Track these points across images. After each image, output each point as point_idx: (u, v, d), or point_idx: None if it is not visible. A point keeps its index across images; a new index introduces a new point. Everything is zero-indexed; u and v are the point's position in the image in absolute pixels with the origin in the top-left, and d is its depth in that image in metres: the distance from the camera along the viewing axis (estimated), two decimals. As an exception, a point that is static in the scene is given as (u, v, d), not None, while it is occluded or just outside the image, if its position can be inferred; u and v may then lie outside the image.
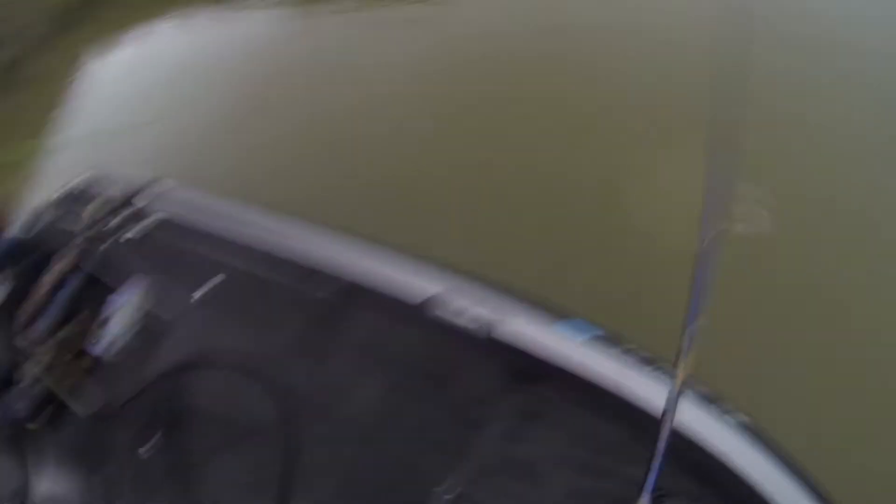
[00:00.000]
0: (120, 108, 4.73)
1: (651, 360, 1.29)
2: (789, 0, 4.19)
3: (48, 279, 1.93)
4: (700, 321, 1.05)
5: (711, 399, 1.21)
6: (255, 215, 1.91)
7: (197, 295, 1.78)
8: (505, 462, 1.30)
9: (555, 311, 1.44)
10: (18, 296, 1.89)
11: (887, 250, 2.61)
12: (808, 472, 1.15)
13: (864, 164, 3.02)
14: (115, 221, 2.06)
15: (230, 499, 1.45)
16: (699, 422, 1.16)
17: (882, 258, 2.59)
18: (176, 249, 1.91)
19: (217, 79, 4.75)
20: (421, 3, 5.16)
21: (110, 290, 1.91)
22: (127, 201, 2.10)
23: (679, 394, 1.02)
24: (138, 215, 2.05)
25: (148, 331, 1.80)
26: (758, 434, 1.18)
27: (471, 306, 1.43)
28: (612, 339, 1.36)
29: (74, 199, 2.28)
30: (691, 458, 1.13)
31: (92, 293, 1.92)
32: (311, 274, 1.67)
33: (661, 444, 0.98)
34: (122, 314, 1.84)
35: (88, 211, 2.13)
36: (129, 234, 2.00)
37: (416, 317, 1.48)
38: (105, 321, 1.83)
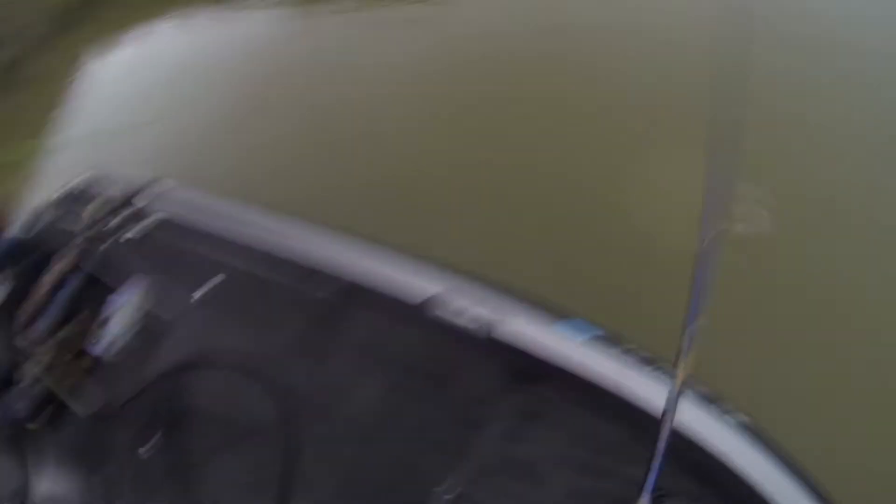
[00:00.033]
0: (120, 108, 4.73)
1: (651, 360, 1.29)
2: (789, 0, 4.19)
3: (48, 279, 1.93)
4: (700, 321, 1.05)
5: (711, 399, 1.21)
6: (255, 215, 1.91)
7: (197, 295, 1.78)
8: (505, 462, 1.30)
9: (555, 311, 1.44)
10: (18, 296, 1.89)
11: (887, 250, 2.61)
12: (808, 472, 1.15)
13: (864, 164, 3.02)
14: (114, 221, 2.06)
15: (230, 499, 1.45)
16: (699, 422, 1.16)
17: (882, 258, 2.59)
18: (176, 249, 1.91)
19: (217, 79, 4.75)
20: (420, 3, 5.16)
21: (110, 290, 1.91)
22: (127, 201, 2.10)
23: (679, 394, 1.02)
24: (138, 215, 2.05)
25: (148, 331, 1.81)
26: (757, 434, 1.18)
27: (471, 306, 1.43)
28: (611, 339, 1.36)
29: (74, 199, 2.28)
30: (691, 458, 1.13)
31: (92, 293, 1.92)
32: (311, 274, 1.67)
33: (661, 444, 0.98)
34: (121, 314, 1.84)
35: (88, 211, 2.13)
36: (128, 234, 2.00)
37: (416, 317, 1.48)
38: (105, 321, 1.83)
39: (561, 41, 4.12)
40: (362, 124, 3.89)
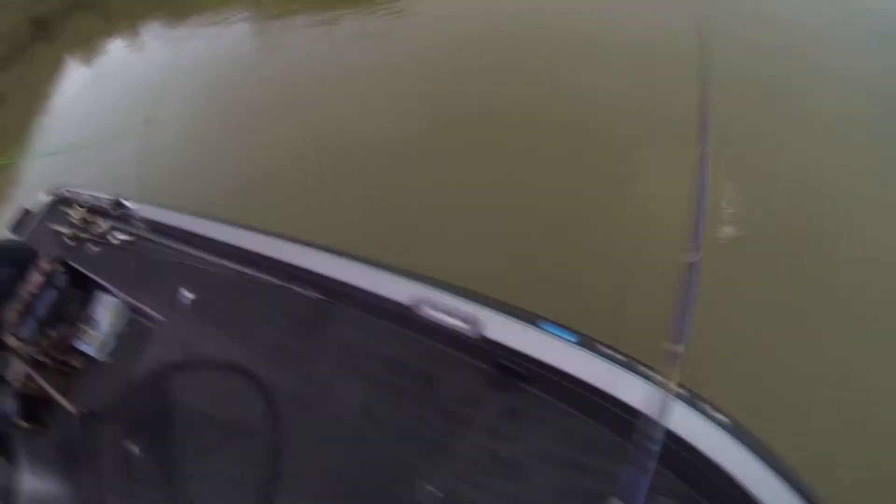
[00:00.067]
0: (97, 117, 4.70)
1: (637, 362, 1.30)
2: (773, 5, 4.26)
3: (35, 281, 1.92)
4: (687, 323, 1.07)
5: (698, 400, 1.22)
6: (226, 226, 1.90)
7: (183, 298, 1.78)
8: (494, 460, 1.31)
9: (538, 315, 1.45)
10: (5, 296, 1.88)
11: (874, 253, 2.65)
12: (795, 471, 1.16)
13: (853, 168, 3.06)
14: (101, 226, 2.05)
15: (218, 498, 1.45)
16: (686, 422, 1.17)
17: (869, 261, 2.62)
18: (161, 254, 1.90)
19: (189, 91, 4.73)
20: (389, 16, 5.17)
21: (97, 292, 1.90)
22: (101, 212, 2.10)
23: (666, 394, 1.03)
24: (124, 220, 2.05)
25: (135, 333, 1.80)
26: (744, 434, 1.18)
27: (453, 310, 1.44)
28: (595, 343, 1.36)
29: (59, 204, 2.27)
30: (679, 457, 1.14)
31: (79, 295, 1.91)
32: (298, 277, 1.67)
33: (650, 445, 0.99)
34: (108, 316, 1.83)
35: (74, 216, 2.12)
36: (114, 239, 2.00)
37: (402, 320, 1.48)
38: (92, 323, 1.82)
39: (536, 48, 4.16)
40: (337, 135, 3.89)
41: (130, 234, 1.99)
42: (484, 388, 1.39)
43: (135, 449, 1.53)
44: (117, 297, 1.89)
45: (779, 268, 2.63)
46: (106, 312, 1.84)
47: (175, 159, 3.97)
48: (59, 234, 2.10)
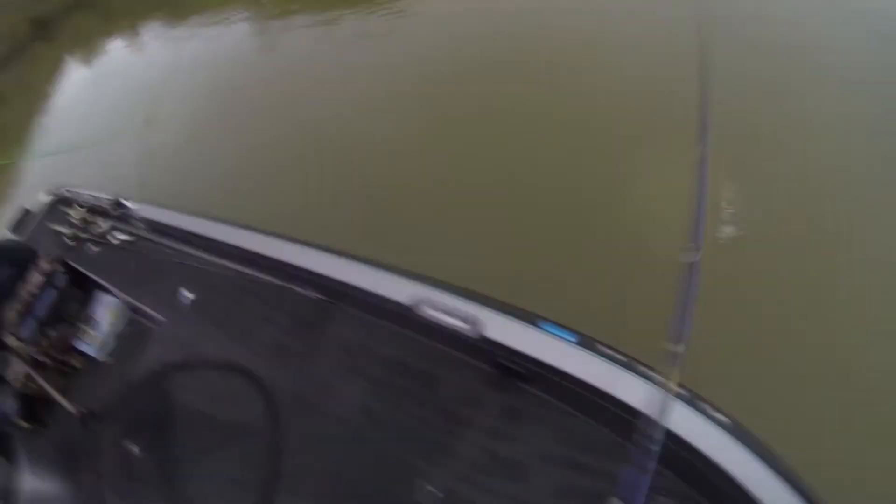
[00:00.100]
0: (97, 117, 4.70)
1: (637, 362, 1.30)
2: (773, 5, 4.26)
3: (35, 281, 1.92)
4: (687, 323, 1.07)
5: (698, 400, 1.21)
6: (227, 226, 1.91)
7: (183, 298, 1.78)
8: (494, 460, 1.31)
9: (538, 315, 1.45)
10: (5, 296, 1.88)
11: (874, 253, 2.65)
12: (794, 471, 1.16)
13: (853, 168, 3.06)
14: (101, 226, 2.05)
15: (218, 498, 1.45)
16: (686, 422, 1.17)
17: (869, 261, 2.62)
18: (161, 254, 1.90)
19: (189, 91, 4.73)
20: (389, 16, 5.17)
21: (97, 292, 1.90)
22: (101, 212, 2.10)
23: (666, 394, 1.03)
24: (112, 223, 2.05)
25: (135, 333, 1.80)
26: (744, 434, 1.18)
27: (453, 311, 1.44)
28: (595, 343, 1.36)
29: (59, 204, 2.27)
30: (679, 457, 1.14)
31: (79, 295, 1.91)
32: (298, 277, 1.67)
33: (650, 445, 0.99)
34: (108, 316, 1.83)
35: (74, 216, 2.12)
36: (114, 239, 2.00)
37: (402, 320, 1.49)
38: (92, 323, 1.82)
39: (535, 48, 4.16)
40: (337, 136, 3.89)
41: (130, 234, 1.99)
42: (484, 388, 1.39)
43: (135, 449, 1.53)
44: (117, 297, 1.89)
45: (779, 267, 2.63)
46: (106, 312, 1.84)
47: (175, 159, 3.97)
48: (59, 234, 2.10)
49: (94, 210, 2.12)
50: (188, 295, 1.77)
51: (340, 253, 1.68)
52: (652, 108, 3.39)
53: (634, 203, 2.85)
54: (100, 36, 5.92)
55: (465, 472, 1.31)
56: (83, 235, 2.04)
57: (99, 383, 1.72)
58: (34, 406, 1.72)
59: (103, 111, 4.79)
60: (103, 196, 2.17)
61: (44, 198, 2.30)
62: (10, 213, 2.37)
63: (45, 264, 1.97)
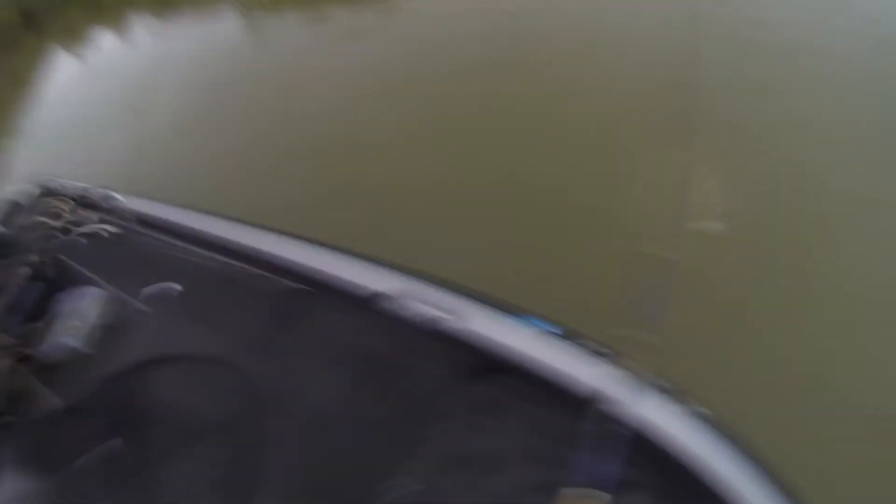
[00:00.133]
0: (87, 108, 4.66)
1: (612, 354, 1.30)
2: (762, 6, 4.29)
3: (22, 272, 1.91)
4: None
5: (673, 392, 1.23)
6: (211, 217, 1.91)
7: (158, 294, 1.77)
8: (467, 454, 1.31)
9: (513, 307, 1.46)
10: None
11: (858, 250, 2.67)
12: (770, 464, 1.17)
13: (838, 166, 3.09)
14: (89, 217, 2.04)
15: (193, 496, 1.45)
16: (661, 415, 1.18)
17: (853, 258, 2.65)
18: (149, 246, 1.90)
19: (179, 84, 4.70)
20: (384, 12, 5.15)
21: (84, 284, 1.89)
22: (88, 203, 2.09)
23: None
24: (99, 215, 2.04)
25: (110, 329, 1.80)
26: (719, 427, 1.20)
27: (430, 302, 1.44)
28: (571, 335, 1.38)
29: (47, 195, 2.26)
30: (653, 450, 1.14)
31: (66, 287, 1.90)
32: (286, 269, 1.67)
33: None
34: (95, 309, 1.82)
35: (62, 207, 2.11)
36: (102, 231, 1.99)
37: (375, 312, 1.49)
38: (79, 315, 1.81)
39: (530, 47, 4.17)
40: (324, 130, 3.88)
41: (118, 225, 1.98)
42: (464, 381, 1.40)
43: (119, 442, 1.52)
44: (104, 290, 1.88)
45: (765, 265, 2.66)
46: (93, 305, 1.83)
47: (164, 151, 3.95)
48: (46, 225, 2.09)
49: (83, 201, 2.11)
50: (176, 287, 1.77)
51: (313, 249, 1.68)
52: (647, 108, 3.41)
53: (625, 199, 2.86)
54: (91, 28, 5.87)
55: (442, 465, 1.31)
56: (71, 227, 2.03)
57: (84, 376, 1.71)
58: (18, 399, 1.71)
59: (93, 103, 4.75)
60: (92, 187, 2.16)
61: (31, 189, 2.28)
62: (-3, 202, 2.36)
63: (31, 256, 1.96)
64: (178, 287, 1.78)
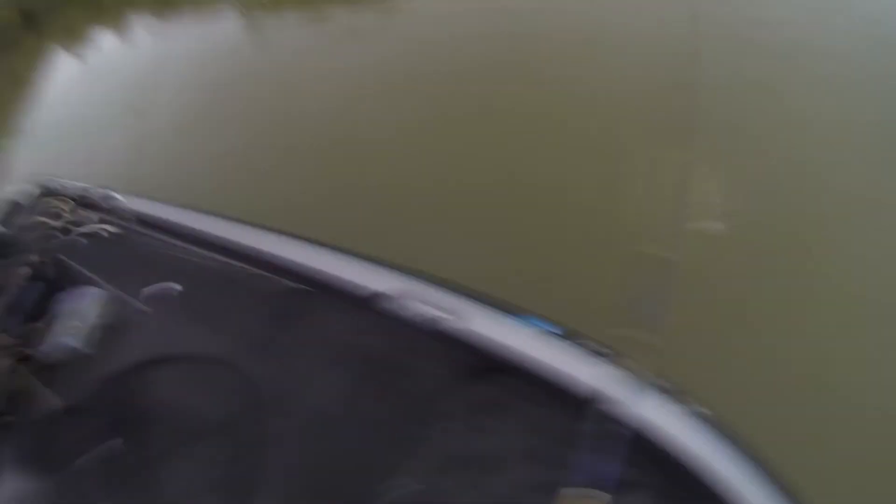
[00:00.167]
0: (88, 108, 4.65)
1: (612, 354, 1.30)
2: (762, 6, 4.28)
3: (22, 272, 1.91)
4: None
5: (673, 392, 1.22)
6: (211, 218, 1.91)
7: (158, 294, 1.77)
8: (467, 454, 1.31)
9: (513, 307, 1.46)
10: None
11: (858, 250, 2.67)
12: (769, 463, 1.17)
13: (838, 166, 3.08)
14: (88, 217, 2.04)
15: (193, 496, 1.44)
16: (661, 415, 1.18)
17: (853, 258, 2.64)
18: (149, 246, 1.90)
19: (179, 84, 4.69)
20: (382, 12, 5.15)
21: (84, 284, 1.89)
22: (88, 203, 2.09)
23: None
24: (99, 215, 2.04)
25: (121, 325, 1.79)
26: (719, 427, 1.20)
27: (430, 302, 1.44)
28: (570, 335, 1.37)
29: (47, 195, 2.25)
30: (653, 450, 1.14)
31: (66, 287, 1.90)
32: (286, 269, 1.67)
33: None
34: (95, 309, 1.82)
35: (62, 207, 2.11)
36: (102, 231, 1.99)
37: (382, 310, 1.49)
38: (79, 315, 1.81)
39: (529, 48, 4.17)
40: (321, 131, 3.88)
41: (118, 225, 1.98)
42: (463, 381, 1.40)
43: (119, 441, 1.52)
44: (104, 290, 1.88)
45: (765, 265, 2.66)
46: (93, 305, 1.83)
47: (165, 151, 3.94)
48: (46, 225, 2.09)
49: (82, 202, 2.11)
50: (176, 287, 1.77)
51: (314, 250, 1.68)
52: (647, 108, 3.40)
53: (624, 199, 2.86)
54: (90, 28, 5.86)
55: (442, 465, 1.31)
56: (71, 227, 2.03)
57: (84, 376, 1.71)
58: (19, 399, 1.71)
59: (93, 103, 4.75)
60: (91, 187, 2.16)
61: (31, 189, 2.28)
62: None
63: (32, 256, 1.96)
64: (178, 287, 1.78)
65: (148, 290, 1.80)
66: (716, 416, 1.21)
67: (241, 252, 1.75)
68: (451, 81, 4.02)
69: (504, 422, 1.33)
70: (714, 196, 2.51)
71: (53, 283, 1.93)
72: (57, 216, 2.08)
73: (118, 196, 2.08)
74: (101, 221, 2.01)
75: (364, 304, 1.51)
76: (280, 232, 1.78)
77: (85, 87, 5.09)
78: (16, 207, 2.28)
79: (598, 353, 1.30)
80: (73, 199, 2.12)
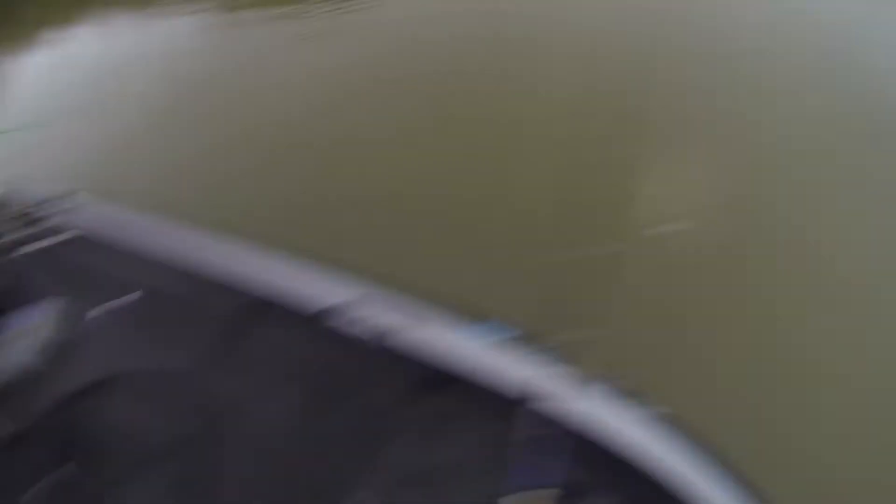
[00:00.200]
0: (37, 109, 4.50)
1: (569, 359, 1.30)
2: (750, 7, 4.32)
3: None
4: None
5: (628, 393, 1.23)
6: (165, 228, 1.87)
7: (108, 311, 1.71)
8: (424, 466, 1.31)
9: (470, 314, 1.46)
10: None
11: (857, 249, 2.65)
12: (728, 461, 1.16)
13: (827, 164, 3.07)
14: (26, 235, 1.94)
15: None
16: (615, 415, 1.18)
17: (852, 257, 2.62)
18: (89, 265, 1.83)
19: (136, 85, 4.56)
20: (350, 13, 5.07)
21: (25, 304, 1.80)
22: (39, 215, 1.99)
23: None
24: (50, 229, 1.94)
25: (59, 349, 1.69)
26: (676, 425, 1.19)
27: (383, 315, 1.45)
28: (527, 340, 1.38)
29: (3, 201, 2.15)
30: (609, 451, 1.14)
31: (5, 308, 1.81)
32: (221, 288, 1.64)
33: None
34: (32, 331, 1.72)
35: (17, 212, 2.01)
36: (40, 249, 1.89)
37: (327, 328, 1.48)
38: (14, 338, 1.72)
39: (495, 52, 4.13)
40: (285, 135, 3.77)
41: (75, 232, 1.89)
42: (416, 393, 1.40)
43: (71, 467, 1.44)
44: (42, 313, 1.79)
45: (731, 264, 2.62)
46: (44, 322, 1.74)
47: (132, 150, 3.82)
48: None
49: (36, 213, 2.02)
50: (133, 299, 1.69)
51: (269, 262, 1.67)
52: (630, 110, 3.36)
53: (582, 198, 2.79)
54: (63, 21, 5.71)
55: (401, 478, 1.30)
56: (24, 233, 1.93)
57: (34, 398, 1.62)
58: None
59: (61, 95, 4.61)
60: (50, 191, 2.06)
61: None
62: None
63: None
64: (132, 301, 1.71)
65: (102, 306, 1.72)
66: (676, 414, 1.21)
67: (197, 266, 1.71)
68: (419, 84, 3.96)
69: (458, 431, 1.34)
70: (693, 195, 2.48)
71: (4, 298, 1.83)
72: (12, 221, 1.99)
73: (80, 200, 2.01)
74: (55, 234, 1.92)
75: (317, 320, 1.50)
76: (237, 242, 1.76)
77: (55, 80, 4.94)
78: None
79: (551, 356, 1.31)
80: (28, 212, 2.03)
